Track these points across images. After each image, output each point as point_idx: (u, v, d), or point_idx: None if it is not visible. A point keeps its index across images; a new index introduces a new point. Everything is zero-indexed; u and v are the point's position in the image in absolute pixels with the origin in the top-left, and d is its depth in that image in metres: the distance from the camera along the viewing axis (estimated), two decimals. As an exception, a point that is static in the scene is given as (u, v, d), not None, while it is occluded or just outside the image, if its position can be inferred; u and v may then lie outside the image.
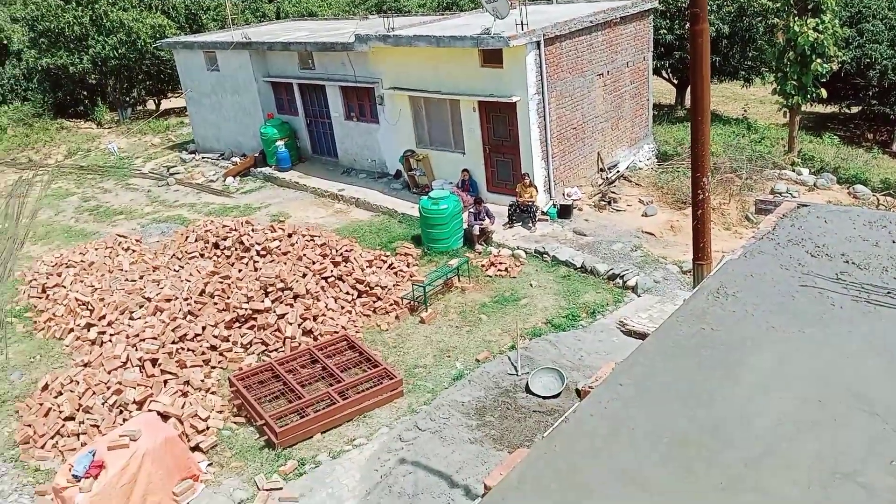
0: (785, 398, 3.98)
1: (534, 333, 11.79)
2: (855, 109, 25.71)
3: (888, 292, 4.94)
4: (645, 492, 3.44)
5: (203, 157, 23.06)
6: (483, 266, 14.17)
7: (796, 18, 18.30)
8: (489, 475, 5.01)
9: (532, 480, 3.64)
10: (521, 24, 14.63)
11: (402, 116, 17.92)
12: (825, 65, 18.67)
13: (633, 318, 11.80)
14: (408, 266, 14.24)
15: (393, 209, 17.23)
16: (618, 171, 18.17)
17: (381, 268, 13.98)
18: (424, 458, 8.99)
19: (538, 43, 15.07)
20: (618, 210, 16.44)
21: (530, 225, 15.58)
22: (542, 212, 16.00)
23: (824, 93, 19.45)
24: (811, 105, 22.04)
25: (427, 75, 16.83)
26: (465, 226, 15.19)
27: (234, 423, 10.16)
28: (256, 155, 21.29)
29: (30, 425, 10.21)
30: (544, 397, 10.04)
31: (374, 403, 10.21)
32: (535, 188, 15.79)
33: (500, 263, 14.12)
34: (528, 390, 10.21)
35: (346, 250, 14.06)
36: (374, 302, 12.93)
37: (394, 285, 13.39)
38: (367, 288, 13.07)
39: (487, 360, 11.17)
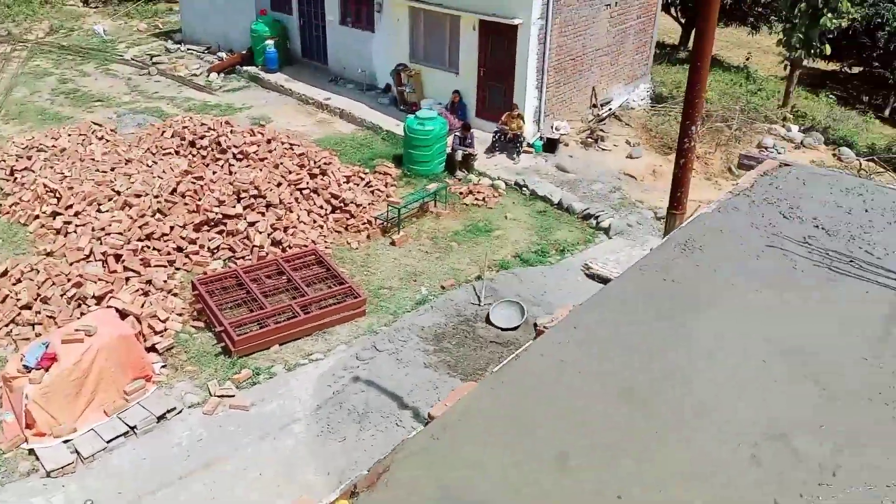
0: (731, 356, 3.96)
1: (501, 265, 11.74)
2: (856, 70, 25.24)
3: (850, 261, 4.87)
4: (583, 435, 3.45)
5: (189, 49, 22.22)
6: (461, 193, 13.97)
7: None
8: (434, 406, 5.01)
9: (476, 414, 3.66)
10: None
11: (400, 27, 17.28)
12: (835, 20, 18.18)
13: (600, 261, 11.78)
14: (385, 186, 13.98)
15: (377, 125, 16.81)
16: (610, 109, 17.80)
17: (357, 185, 13.72)
18: (378, 379, 9.03)
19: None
20: (604, 149, 16.18)
21: (514, 156, 15.30)
22: (528, 144, 15.70)
23: (829, 49, 19.03)
24: (813, 60, 21.60)
25: (429, -13, 16.15)
26: (448, 150, 14.88)
27: (193, 326, 10.09)
28: (244, 52, 20.55)
29: (-15, 309, 10.07)
30: (503, 329, 10.09)
31: (336, 320, 10.18)
32: (523, 119, 15.44)
33: (479, 193, 13.93)
34: (488, 321, 10.23)
35: (325, 163, 13.75)
36: (348, 219, 12.74)
37: (369, 204, 13.16)
38: (342, 204, 12.85)
39: (452, 288, 11.12)
